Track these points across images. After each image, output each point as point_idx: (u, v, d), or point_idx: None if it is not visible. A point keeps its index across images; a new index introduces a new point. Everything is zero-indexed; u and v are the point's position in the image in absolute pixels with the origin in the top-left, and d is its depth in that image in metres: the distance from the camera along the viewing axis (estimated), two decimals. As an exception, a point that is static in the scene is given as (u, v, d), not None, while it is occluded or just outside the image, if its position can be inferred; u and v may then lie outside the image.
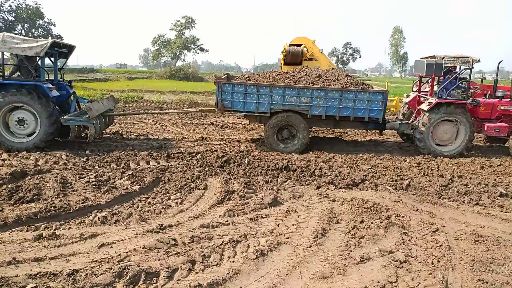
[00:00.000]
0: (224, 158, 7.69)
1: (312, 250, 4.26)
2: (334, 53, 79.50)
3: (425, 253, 4.32)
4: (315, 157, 8.50)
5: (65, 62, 10.45)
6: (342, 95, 8.99)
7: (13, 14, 56.84)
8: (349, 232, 4.79)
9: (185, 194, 5.94)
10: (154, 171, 6.92)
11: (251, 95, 9.11)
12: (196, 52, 65.95)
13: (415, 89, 11.29)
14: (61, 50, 9.27)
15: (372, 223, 5.02)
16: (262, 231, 4.73)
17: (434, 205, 5.94)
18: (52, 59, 9.52)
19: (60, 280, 3.38)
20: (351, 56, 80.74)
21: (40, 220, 4.72)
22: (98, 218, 4.86)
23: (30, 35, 57.98)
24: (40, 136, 8.22)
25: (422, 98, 10.28)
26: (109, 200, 5.48)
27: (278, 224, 4.97)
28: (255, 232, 4.69)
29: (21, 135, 8.29)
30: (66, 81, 9.83)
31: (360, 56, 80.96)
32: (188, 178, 6.55)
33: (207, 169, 7.11)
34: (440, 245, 4.45)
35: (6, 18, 56.72)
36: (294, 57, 13.98)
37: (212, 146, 9.66)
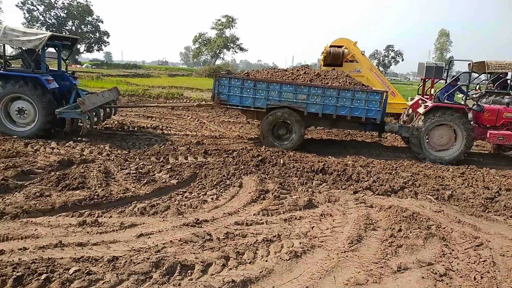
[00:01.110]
0: (260, 157, 7.71)
1: (346, 256, 4.18)
2: (376, 55, 77.59)
3: (467, 267, 4.12)
4: (353, 161, 8.33)
5: (70, 53, 10.80)
6: (339, 93, 8.93)
7: (65, 11, 60.04)
8: (386, 240, 4.65)
9: (221, 190, 6.02)
10: (191, 166, 7.07)
11: (248, 90, 9.12)
12: (235, 51, 66.70)
13: (420, 92, 11.18)
14: (63, 42, 9.65)
15: (410, 232, 4.85)
16: (296, 232, 4.70)
17: (478, 218, 5.64)
18: (56, 50, 9.91)
19: (101, 266, 3.53)
20: (393, 59, 78.48)
21: (84, 207, 4.95)
22: (138, 208, 5.03)
23: (79, 31, 61.06)
24: (38, 125, 8.57)
25: (420, 101, 9.99)
26: (148, 192, 5.65)
27: (313, 226, 4.92)
28: (289, 233, 4.67)
29: (22, 124, 8.70)
30: (70, 72, 10.18)
31: (402, 60, 78.53)
32: (224, 175, 6.63)
33: (242, 167, 7.16)
34: (484, 261, 4.22)
35: (59, 14, 60.04)
36: (335, 58, 13.78)
37: (248, 144, 9.72)
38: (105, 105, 9.78)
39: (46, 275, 3.26)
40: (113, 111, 10.62)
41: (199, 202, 5.46)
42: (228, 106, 9.50)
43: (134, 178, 6.23)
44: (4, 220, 4.42)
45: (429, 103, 9.27)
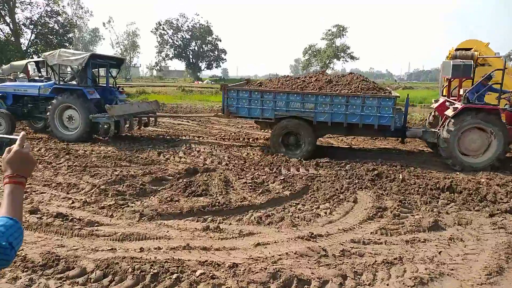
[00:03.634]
0: (376, 172, 7.32)
1: (484, 289, 3.64)
2: None
3: None
4: (487, 179, 7.30)
5: (118, 71, 12.34)
6: (348, 100, 8.57)
7: (189, 33, 67.01)
8: (536, 275, 3.92)
9: (334, 205, 5.87)
10: (303, 178, 7.08)
11: (256, 101, 9.08)
12: (345, 61, 65.26)
13: (444, 93, 9.98)
14: (110, 62, 11.44)
15: None
16: (420, 256, 4.29)
17: None
18: (103, 69, 11.68)
19: (223, 271, 3.74)
20: (535, 60, 66.99)
21: (207, 213, 5.35)
22: (254, 217, 5.23)
23: (201, 50, 67.36)
24: (81, 130, 10.06)
25: (447, 103, 8.81)
26: (263, 202, 5.84)
27: (440, 251, 4.43)
28: (412, 256, 4.29)
29: (71, 129, 10.25)
30: (116, 87, 11.70)
31: (549, 59, 66.43)
32: (337, 189, 6.47)
33: (356, 181, 6.90)
34: None
35: (184, 36, 67.27)
36: (462, 63, 12.35)
37: (361, 157, 9.30)
38: (140, 114, 11.04)
39: (177, 275, 3.60)
40: (151, 121, 11.74)
41: (312, 216, 5.42)
42: (237, 117, 9.73)
43: (250, 187, 6.52)
44: (143, 221, 5.05)
45: (458, 105, 8.33)
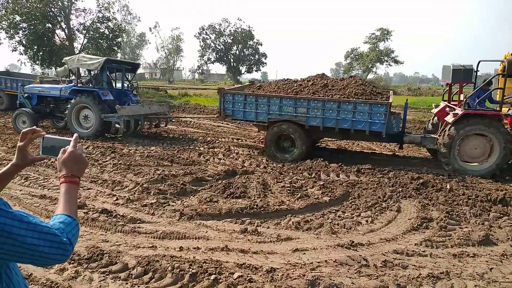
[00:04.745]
0: (421, 180, 7.00)
1: (543, 313, 3.34)
2: None
3: None
4: (545, 192, 6.75)
5: (134, 76, 13.05)
6: (340, 106, 8.54)
7: (231, 37, 67.99)
8: None
9: (376, 213, 5.67)
10: (343, 184, 6.91)
11: (251, 105, 9.23)
12: (389, 65, 63.27)
13: (445, 98, 9.76)
14: (125, 66, 12.11)
15: None
16: (469, 272, 4.02)
17: None
18: (117, 73, 12.39)
19: (261, 275, 3.71)
20: None
21: (245, 215, 5.35)
22: (292, 222, 5.15)
23: (242, 54, 68.13)
24: (95, 128, 10.74)
25: (448, 109, 8.81)
26: (301, 207, 5.75)
27: (491, 268, 4.13)
28: (460, 271, 4.04)
29: (86, 127, 10.96)
30: (131, 90, 12.35)
31: None
32: (379, 197, 6.25)
33: (400, 189, 6.63)
34: None
35: (226, 41, 68.34)
36: (518, 68, 11.58)
37: (405, 165, 8.95)
38: (152, 115, 11.41)
39: (215, 276, 3.61)
40: (162, 122, 12.07)
41: (352, 223, 5.26)
42: (233, 120, 9.87)
43: (289, 191, 6.45)
44: (182, 220, 5.14)
45: (458, 111, 8.08)
